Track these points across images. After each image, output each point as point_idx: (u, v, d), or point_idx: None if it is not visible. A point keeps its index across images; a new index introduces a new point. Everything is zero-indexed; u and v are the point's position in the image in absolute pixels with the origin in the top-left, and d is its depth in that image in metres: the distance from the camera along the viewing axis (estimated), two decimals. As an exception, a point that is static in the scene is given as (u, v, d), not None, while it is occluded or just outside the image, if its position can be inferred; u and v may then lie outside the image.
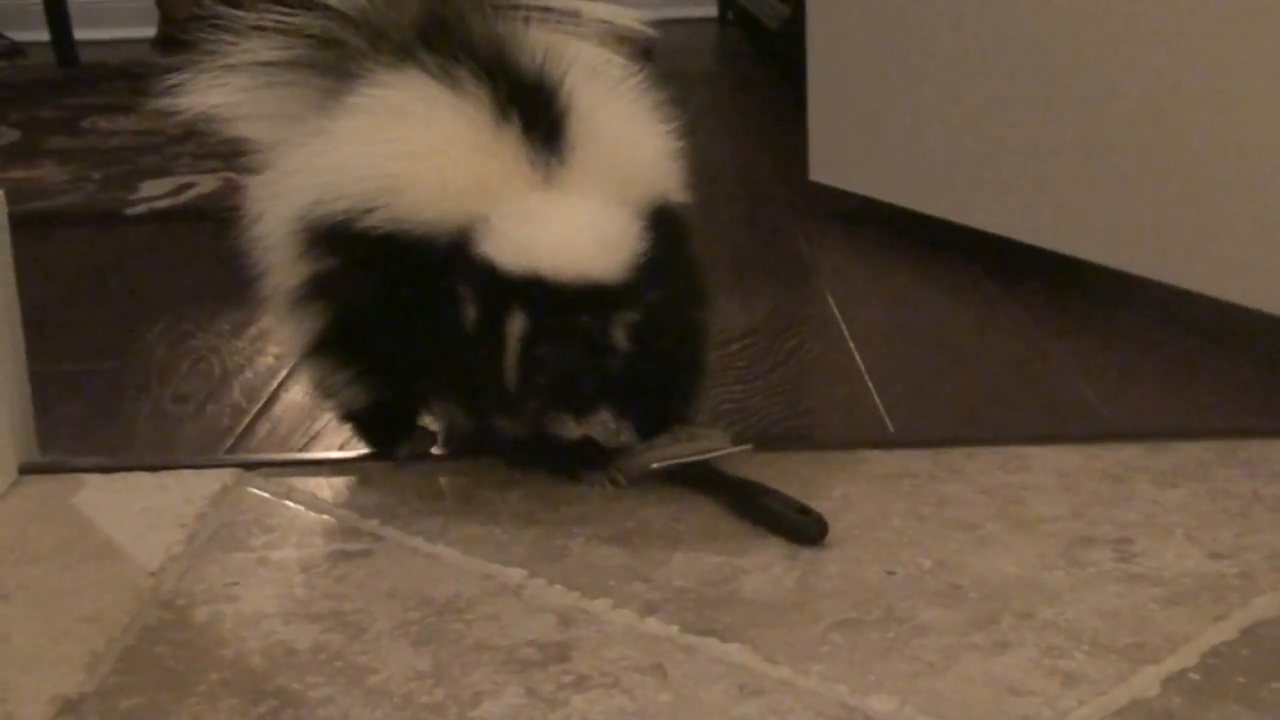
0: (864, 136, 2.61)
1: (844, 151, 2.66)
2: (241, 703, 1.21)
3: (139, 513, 1.57)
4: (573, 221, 1.47)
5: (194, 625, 1.34)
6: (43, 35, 5.12)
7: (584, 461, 1.58)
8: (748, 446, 1.61)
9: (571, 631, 1.30)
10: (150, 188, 3.09)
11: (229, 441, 1.78)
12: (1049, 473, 1.59)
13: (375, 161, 1.52)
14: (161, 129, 3.68)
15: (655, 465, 1.56)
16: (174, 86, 1.61)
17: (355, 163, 1.52)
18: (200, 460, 1.71)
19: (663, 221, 1.51)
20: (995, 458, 1.63)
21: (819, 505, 1.48)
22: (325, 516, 1.56)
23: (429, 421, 1.71)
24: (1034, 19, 2.23)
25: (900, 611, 1.32)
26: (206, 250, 2.63)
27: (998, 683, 1.20)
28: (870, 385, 1.89)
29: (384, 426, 1.69)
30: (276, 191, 1.59)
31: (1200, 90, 1.99)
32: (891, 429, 1.76)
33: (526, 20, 1.58)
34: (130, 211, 2.93)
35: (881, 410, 1.81)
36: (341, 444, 1.74)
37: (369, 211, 1.50)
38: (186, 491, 1.61)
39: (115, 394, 1.96)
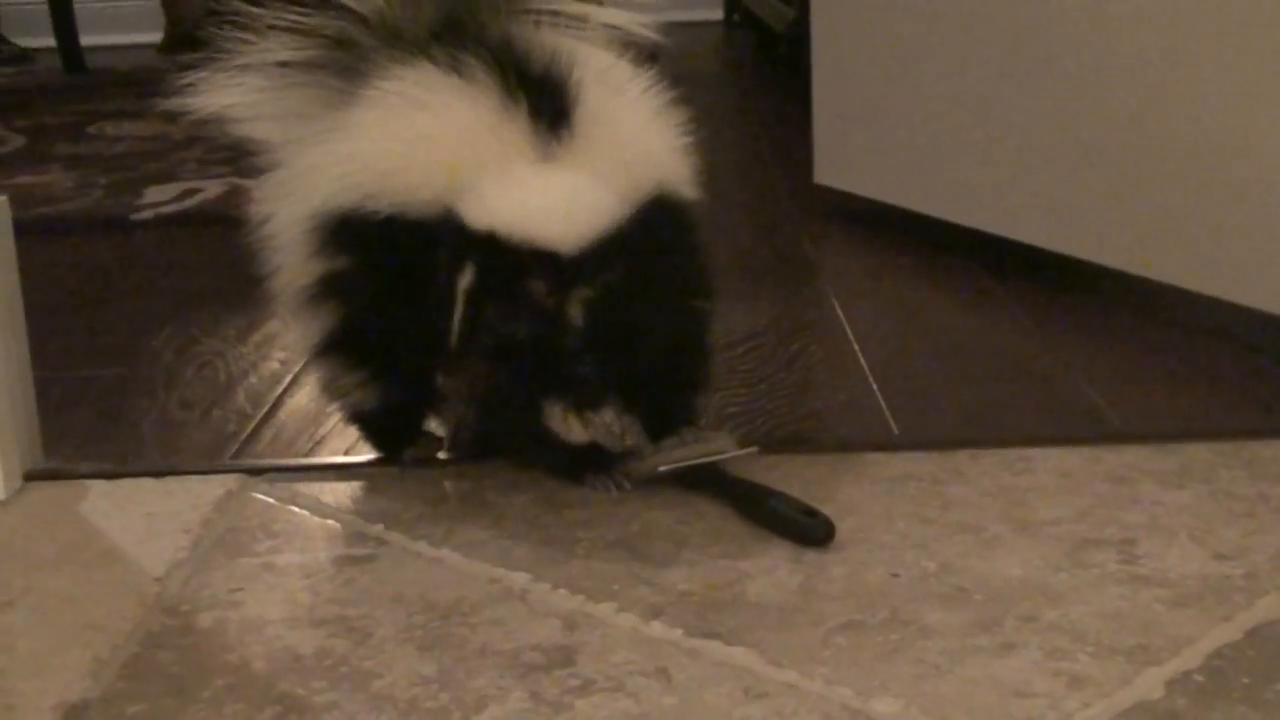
0: (869, 139, 2.61)
1: (849, 154, 2.67)
2: (246, 708, 1.22)
3: (144, 518, 1.57)
4: (547, 190, 1.47)
5: (199, 631, 1.34)
6: (49, 41, 5.13)
7: (589, 465, 1.58)
8: (754, 449, 1.61)
9: (576, 635, 1.30)
10: (156, 193, 3.10)
11: (234, 447, 1.78)
12: (1053, 475, 1.59)
13: (382, 149, 1.53)
14: (167, 134, 3.69)
15: (661, 468, 1.56)
16: (188, 85, 1.61)
17: (363, 153, 1.53)
18: (205, 466, 1.71)
19: (661, 211, 1.51)
20: (1000, 460, 1.63)
21: (824, 508, 1.48)
22: (330, 522, 1.56)
23: (435, 426, 1.71)
24: (1038, 22, 2.23)
25: (905, 614, 1.32)
26: (212, 256, 2.64)
27: (1002, 685, 1.20)
28: (875, 388, 1.89)
29: (391, 430, 1.69)
30: (288, 191, 1.60)
31: (1206, 91, 1.99)
32: (896, 431, 1.76)
33: (537, 24, 1.58)
34: (136, 217, 2.93)
35: (886, 413, 1.80)
36: (346, 449, 1.74)
37: (375, 198, 1.51)
38: (191, 497, 1.61)
39: (120, 400, 1.96)
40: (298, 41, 1.61)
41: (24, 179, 3.28)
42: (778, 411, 1.84)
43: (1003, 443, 1.67)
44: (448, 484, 1.65)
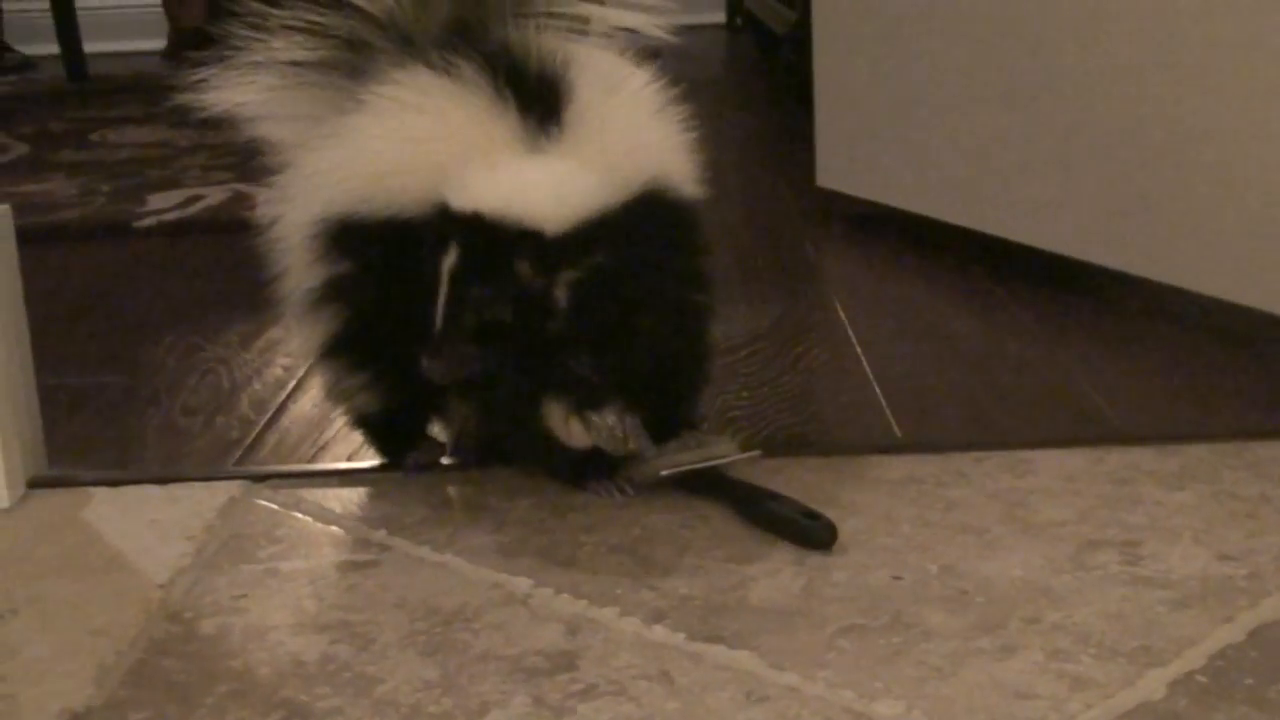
0: (871, 142, 2.61)
1: (851, 157, 2.67)
2: (250, 714, 1.22)
3: (147, 525, 1.58)
4: (532, 174, 1.47)
5: (202, 637, 1.35)
6: (53, 49, 5.13)
7: (592, 470, 1.58)
8: (756, 452, 1.61)
9: (578, 640, 1.31)
10: (159, 200, 3.10)
11: (237, 453, 1.78)
12: (1056, 476, 1.59)
13: (375, 153, 1.54)
14: (170, 141, 3.70)
15: (663, 472, 1.57)
16: (199, 82, 1.61)
17: (358, 157, 1.54)
18: (209, 472, 1.71)
19: (655, 205, 1.51)
20: (1002, 462, 1.63)
21: (827, 511, 1.48)
22: (333, 527, 1.56)
23: (438, 431, 1.71)
24: (1040, 24, 2.24)
25: (907, 616, 1.32)
26: (215, 262, 2.64)
27: (1004, 687, 1.20)
28: (877, 390, 1.89)
29: (394, 434, 1.70)
30: (294, 194, 1.60)
31: (1208, 93, 1.99)
32: (899, 434, 1.76)
33: (546, 25, 1.58)
34: (139, 224, 2.93)
35: (888, 415, 1.81)
36: (349, 455, 1.75)
37: (371, 202, 1.52)
38: (195, 504, 1.61)
39: (124, 407, 1.97)
40: (310, 42, 1.61)
41: (27, 187, 3.28)
42: (780, 414, 1.84)
43: (1005, 445, 1.67)
44: (451, 489, 1.65)
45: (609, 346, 1.50)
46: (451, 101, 1.51)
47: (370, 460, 1.72)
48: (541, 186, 1.46)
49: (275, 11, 1.61)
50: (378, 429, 1.70)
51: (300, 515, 1.58)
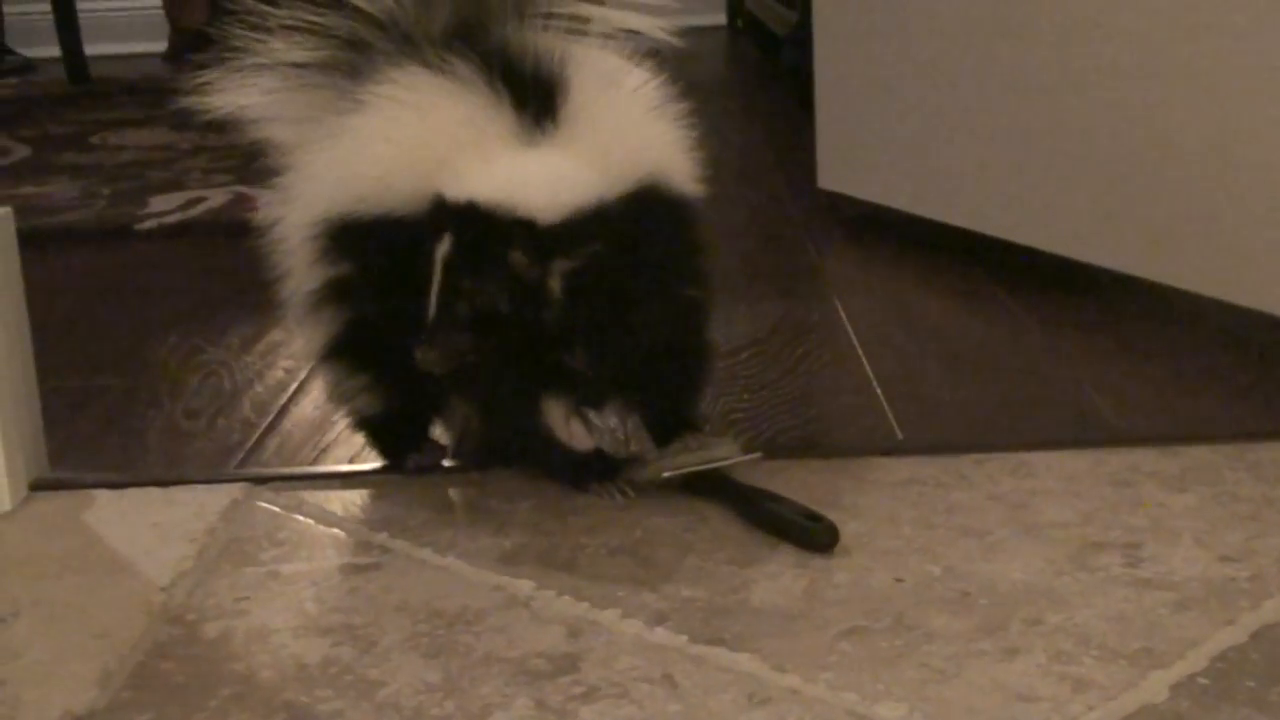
0: (872, 143, 2.61)
1: (852, 158, 2.67)
2: (252, 717, 1.22)
3: (149, 528, 1.58)
4: (526, 166, 1.47)
5: (204, 640, 1.35)
6: (54, 51, 5.13)
7: (593, 472, 1.58)
8: (757, 455, 1.61)
9: (580, 642, 1.31)
10: (160, 203, 3.10)
11: (239, 456, 1.78)
12: (1057, 478, 1.59)
13: (370, 153, 1.54)
14: (172, 143, 3.70)
15: (665, 474, 1.57)
16: (202, 84, 1.62)
17: (354, 158, 1.54)
18: (210, 475, 1.71)
19: (652, 200, 1.51)
20: (1004, 464, 1.63)
21: (828, 513, 1.48)
22: (335, 530, 1.56)
23: (439, 434, 1.71)
24: (1041, 24, 2.23)
25: (909, 619, 1.32)
26: (217, 264, 2.64)
27: (1006, 689, 1.20)
28: (879, 392, 1.89)
29: (395, 437, 1.70)
30: (294, 196, 1.61)
31: (1210, 94, 1.99)
32: (900, 436, 1.76)
33: (549, 26, 1.58)
34: (140, 227, 2.93)
35: (890, 417, 1.80)
36: (351, 457, 1.75)
37: (367, 201, 1.52)
38: (197, 506, 1.61)
39: (125, 409, 1.97)
40: (311, 42, 1.62)
41: (28, 189, 3.29)
42: (781, 416, 1.84)
43: (1007, 447, 1.67)
44: (452, 491, 1.65)
45: (604, 339, 1.50)
46: (446, 99, 1.52)
47: (372, 463, 1.72)
48: (536, 177, 1.46)
49: (275, 12, 1.61)
50: (379, 431, 1.70)
51: (302, 518, 1.59)
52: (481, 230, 1.43)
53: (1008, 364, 2.01)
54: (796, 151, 3.06)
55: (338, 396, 1.70)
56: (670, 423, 1.62)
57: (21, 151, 3.80)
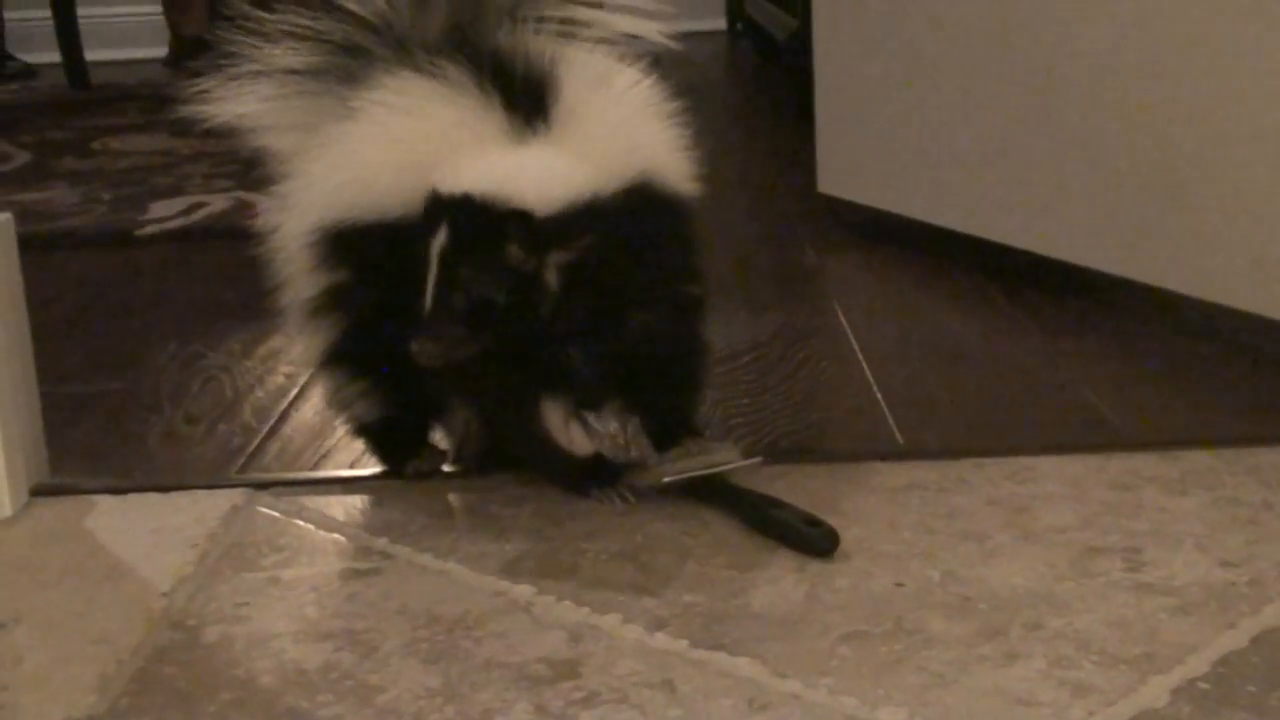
0: (872, 148, 2.61)
1: (852, 163, 2.67)
2: (252, 722, 1.22)
3: (150, 533, 1.58)
4: (521, 160, 1.48)
5: (205, 645, 1.35)
6: (54, 57, 5.14)
7: (594, 477, 1.58)
8: (757, 460, 1.61)
9: (581, 648, 1.31)
10: (161, 208, 3.10)
11: (240, 461, 1.78)
12: (1057, 483, 1.59)
13: (363, 158, 1.54)
14: (172, 149, 3.70)
15: (665, 479, 1.57)
16: (200, 93, 1.62)
17: (348, 164, 1.55)
18: (211, 480, 1.71)
19: (646, 197, 1.51)
20: (1004, 468, 1.63)
21: (828, 517, 1.48)
22: (335, 535, 1.56)
23: (439, 439, 1.71)
24: (1041, 29, 2.24)
25: (909, 623, 1.32)
26: (217, 270, 2.64)
27: (1006, 694, 1.20)
28: (879, 397, 1.89)
29: (395, 442, 1.70)
30: (291, 203, 1.61)
31: (1211, 98, 1.99)
32: (900, 441, 1.76)
33: (546, 30, 1.59)
34: (141, 232, 2.93)
35: (891, 422, 1.81)
36: (351, 463, 1.75)
37: (362, 207, 1.53)
38: (197, 512, 1.61)
39: (126, 415, 1.97)
40: (307, 48, 1.62)
41: (29, 195, 3.29)
42: (781, 421, 1.84)
43: (1007, 451, 1.67)
44: (452, 497, 1.65)
45: (600, 334, 1.50)
46: (437, 103, 1.52)
47: (372, 468, 1.72)
48: (531, 170, 1.47)
49: (271, 18, 1.61)
50: (379, 437, 1.70)
51: (302, 523, 1.59)
52: (478, 222, 1.44)
53: (1008, 368, 2.01)
54: (796, 156, 3.07)
55: (337, 403, 1.70)
56: (670, 427, 1.62)
57: (22, 157, 3.80)
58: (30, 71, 5.48)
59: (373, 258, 1.54)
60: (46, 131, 4.15)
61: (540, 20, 1.59)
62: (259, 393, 2.02)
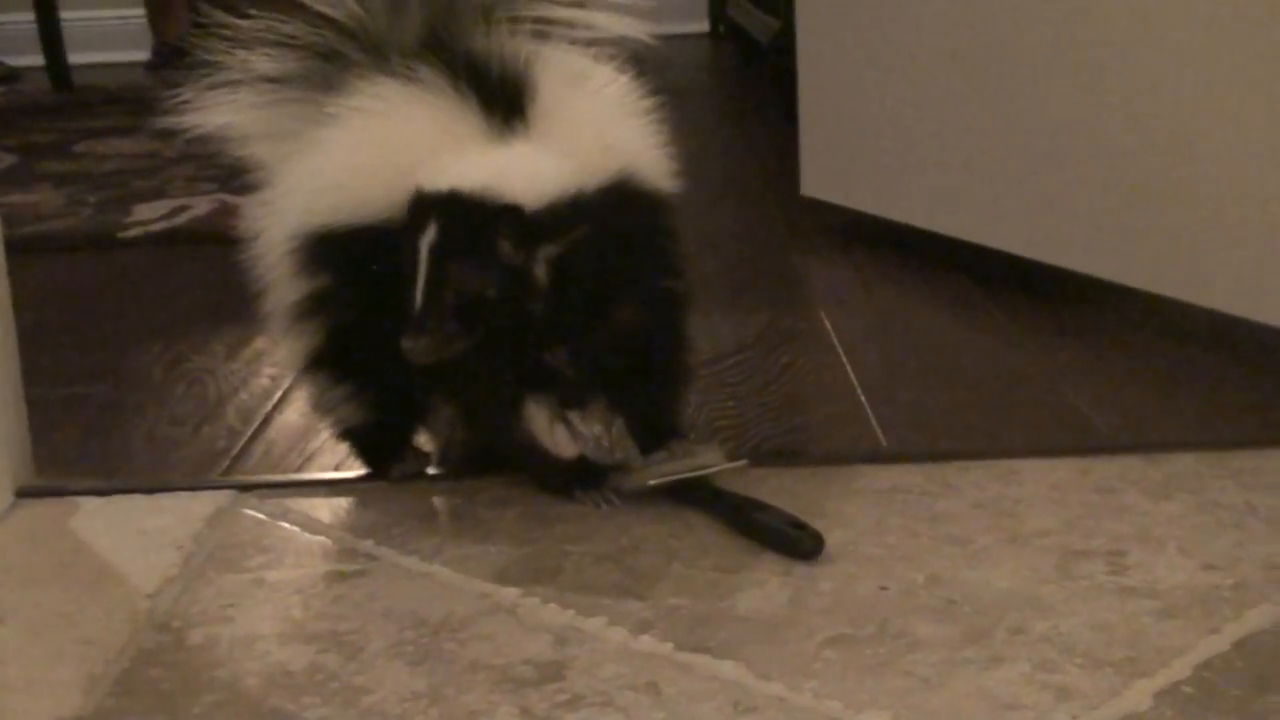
0: (855, 151, 2.62)
1: (835, 166, 2.67)
2: (237, 724, 1.22)
3: (135, 535, 1.57)
4: (505, 157, 1.48)
5: (190, 647, 1.35)
6: (37, 59, 5.12)
7: (579, 480, 1.58)
8: (742, 462, 1.62)
9: (566, 650, 1.31)
10: (144, 211, 3.10)
11: (224, 463, 1.78)
12: (1041, 486, 1.60)
13: (340, 163, 1.55)
14: (156, 152, 3.69)
15: (650, 482, 1.57)
16: (180, 103, 1.62)
17: (325, 170, 1.55)
18: (196, 482, 1.71)
19: (626, 194, 1.51)
20: (988, 471, 1.63)
21: (813, 521, 1.48)
22: (320, 537, 1.56)
23: (424, 442, 1.71)
24: (1026, 32, 2.24)
25: (894, 627, 1.32)
26: (201, 272, 2.64)
27: (991, 697, 1.21)
28: (863, 400, 1.89)
29: (379, 445, 1.70)
30: (272, 210, 1.61)
31: (1197, 102, 2.00)
32: (885, 444, 1.76)
33: (524, 31, 1.59)
34: (125, 235, 2.93)
35: (874, 425, 1.81)
36: (336, 465, 1.75)
37: (341, 212, 1.53)
38: (182, 513, 1.61)
39: (110, 417, 1.97)
40: (285, 55, 1.62)
41: (13, 198, 3.28)
42: (766, 424, 1.85)
43: (991, 454, 1.68)
44: (437, 499, 1.65)
45: (587, 329, 1.50)
46: (414, 106, 1.53)
47: (357, 470, 1.72)
48: (516, 166, 1.47)
49: (247, 24, 1.62)
50: (363, 441, 1.70)
51: (287, 525, 1.59)
52: (468, 218, 1.44)
53: (991, 372, 2.01)
54: (780, 159, 3.07)
55: (322, 406, 1.70)
56: (654, 429, 1.62)
57: (7, 160, 3.79)
58: (13, 74, 5.46)
59: (354, 262, 1.54)
60: (30, 134, 4.14)
61: (515, 20, 1.60)
62: (243, 395, 2.01)
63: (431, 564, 1.48)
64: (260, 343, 2.17)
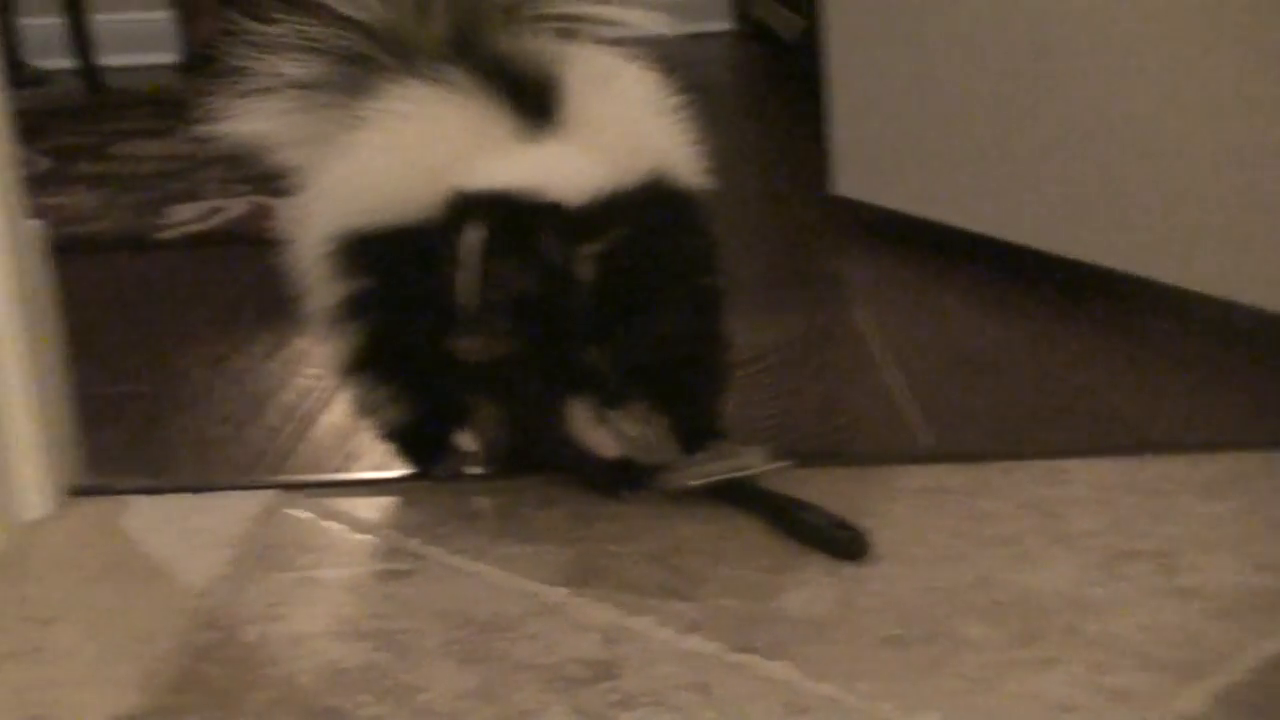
0: (886, 148, 2.60)
1: (866, 164, 2.66)
2: (293, 722, 1.23)
3: (184, 534, 1.58)
4: (542, 156, 1.49)
5: (243, 645, 1.35)
6: (67, 62, 5.14)
7: (622, 479, 1.59)
8: (785, 463, 1.61)
9: (616, 649, 1.31)
10: (180, 212, 3.11)
11: (268, 462, 1.79)
12: (1088, 486, 1.59)
13: (375, 166, 1.55)
14: (190, 153, 3.70)
15: (694, 482, 1.57)
16: (212, 112, 1.62)
17: (360, 173, 1.56)
18: (242, 481, 1.72)
19: (660, 192, 1.52)
20: (1033, 472, 1.63)
21: (858, 521, 1.48)
22: (367, 536, 1.57)
23: (466, 441, 1.71)
24: (1060, 25, 2.23)
25: (944, 628, 1.32)
26: (237, 273, 2.65)
27: (1044, 699, 1.21)
28: (903, 399, 1.89)
29: (423, 445, 1.70)
30: (307, 214, 1.62)
31: (1233, 101, 1.99)
32: (927, 444, 1.76)
33: (550, 30, 1.59)
34: (161, 236, 2.94)
35: (916, 424, 1.81)
36: (379, 464, 1.75)
37: (377, 214, 1.54)
38: (230, 513, 1.62)
39: (155, 417, 1.98)
40: (313, 59, 1.62)
41: (50, 200, 3.29)
42: (806, 424, 1.85)
43: (1035, 455, 1.67)
44: (482, 498, 1.65)
45: (629, 326, 1.51)
46: (444, 108, 1.53)
47: (400, 470, 1.72)
48: (554, 165, 1.48)
49: (275, 30, 1.62)
50: (406, 441, 1.71)
51: (334, 524, 1.59)
52: (512, 216, 1.45)
53: (1034, 370, 2.00)
54: (806, 158, 3.05)
55: (364, 408, 1.70)
56: (696, 430, 1.62)
57: (42, 163, 3.80)
58: (45, 77, 5.48)
59: (390, 264, 1.55)
60: (64, 137, 4.15)
61: (541, 20, 1.60)
62: (284, 395, 2.02)
63: (478, 563, 1.48)
64: (299, 343, 2.18)
